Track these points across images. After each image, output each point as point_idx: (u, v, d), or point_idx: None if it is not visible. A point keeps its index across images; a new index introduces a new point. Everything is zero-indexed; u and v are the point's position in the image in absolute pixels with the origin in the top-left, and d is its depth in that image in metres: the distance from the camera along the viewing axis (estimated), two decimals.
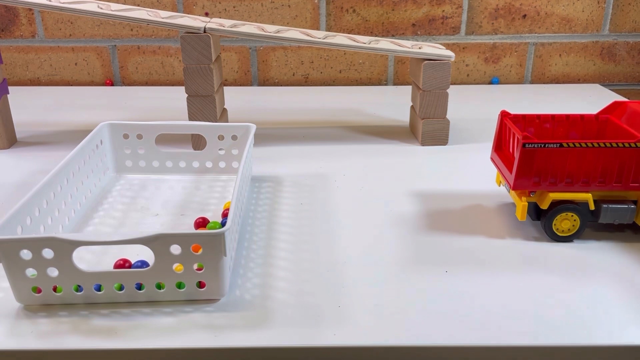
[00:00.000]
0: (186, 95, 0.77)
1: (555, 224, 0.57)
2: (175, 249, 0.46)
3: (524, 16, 1.13)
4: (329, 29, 1.14)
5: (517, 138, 0.55)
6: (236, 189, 0.53)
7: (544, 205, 0.56)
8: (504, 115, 0.61)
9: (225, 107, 0.86)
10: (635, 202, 0.57)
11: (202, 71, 0.76)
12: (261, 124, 0.91)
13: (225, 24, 0.78)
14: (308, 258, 0.55)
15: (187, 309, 0.47)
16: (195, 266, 0.47)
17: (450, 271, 0.53)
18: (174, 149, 0.73)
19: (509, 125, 0.58)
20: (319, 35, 0.80)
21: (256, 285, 0.51)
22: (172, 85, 1.18)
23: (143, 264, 0.50)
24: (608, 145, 0.54)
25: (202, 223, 0.59)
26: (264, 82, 1.18)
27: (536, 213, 0.58)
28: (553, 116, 0.62)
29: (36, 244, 0.45)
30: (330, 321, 0.46)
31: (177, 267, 0.47)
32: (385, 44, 0.81)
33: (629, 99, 1.09)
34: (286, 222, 0.61)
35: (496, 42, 1.15)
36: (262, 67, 1.17)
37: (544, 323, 0.46)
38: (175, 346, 0.44)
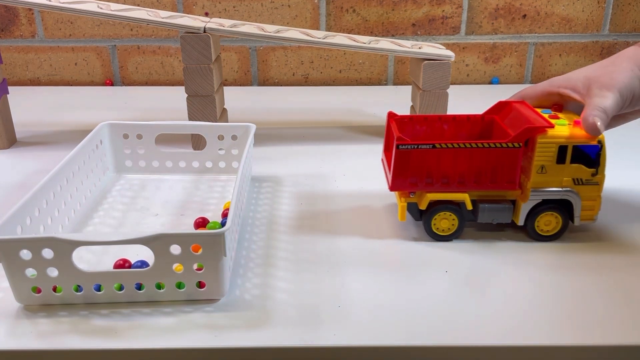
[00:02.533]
0: (186, 95, 0.77)
1: (434, 224, 0.57)
2: (175, 249, 0.46)
3: (524, 16, 1.13)
4: (329, 29, 1.14)
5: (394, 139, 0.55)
6: (236, 189, 0.53)
7: (423, 206, 0.56)
8: (390, 116, 0.61)
9: (225, 107, 0.86)
10: (513, 202, 0.57)
11: (202, 71, 0.76)
12: (261, 124, 0.91)
13: (225, 23, 0.78)
14: (308, 258, 0.55)
15: (187, 309, 0.47)
16: (195, 266, 0.47)
17: (450, 271, 0.53)
18: (174, 149, 0.73)
19: (392, 127, 0.58)
20: (319, 35, 0.80)
21: (256, 285, 0.51)
22: (172, 85, 1.18)
23: (143, 264, 0.50)
24: (480, 145, 0.54)
25: (202, 223, 0.59)
26: (264, 82, 1.18)
27: (419, 213, 0.58)
28: (440, 117, 0.62)
29: (36, 244, 0.45)
30: (330, 321, 0.46)
31: (177, 267, 0.47)
32: (385, 44, 0.81)
33: None
34: (286, 222, 0.61)
35: (496, 42, 1.15)
36: (262, 67, 1.17)
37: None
38: (175, 346, 0.44)
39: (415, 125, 0.62)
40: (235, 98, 1.03)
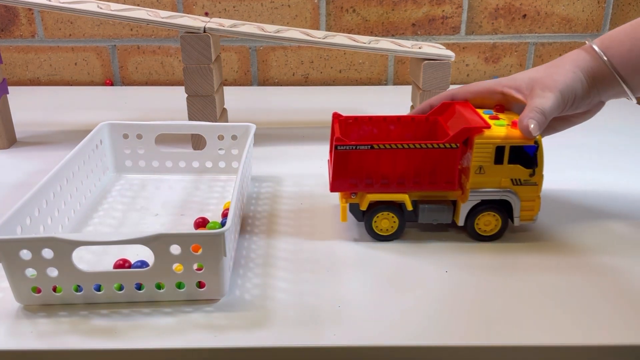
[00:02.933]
0: (186, 95, 0.77)
1: (375, 224, 0.57)
2: (175, 249, 0.46)
3: (524, 16, 1.13)
4: (329, 28, 1.14)
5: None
6: (236, 188, 0.53)
7: (363, 206, 0.56)
8: (334, 117, 0.60)
9: (225, 107, 0.86)
10: (454, 202, 0.57)
11: (202, 71, 0.76)
12: (261, 124, 0.91)
13: (225, 23, 0.78)
14: (308, 258, 0.55)
15: (187, 309, 0.47)
16: (195, 266, 0.47)
17: (450, 271, 0.53)
18: (174, 149, 0.73)
19: (334, 127, 0.58)
20: (319, 35, 0.80)
21: (256, 285, 0.50)
22: (172, 85, 1.18)
23: (143, 264, 0.50)
24: (418, 146, 0.54)
25: (201, 223, 0.59)
26: (264, 82, 1.18)
27: (361, 214, 0.58)
28: (385, 118, 0.62)
29: (36, 244, 0.45)
30: (330, 321, 0.46)
31: (176, 267, 0.47)
32: (385, 43, 0.81)
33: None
34: (286, 222, 0.61)
35: (496, 42, 1.15)
36: (262, 67, 1.17)
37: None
38: (175, 346, 0.44)
39: (361, 126, 0.62)
40: (235, 98, 1.03)
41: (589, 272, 0.52)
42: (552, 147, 0.57)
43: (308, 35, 0.79)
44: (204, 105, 0.77)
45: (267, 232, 0.59)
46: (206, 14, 1.12)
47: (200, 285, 0.48)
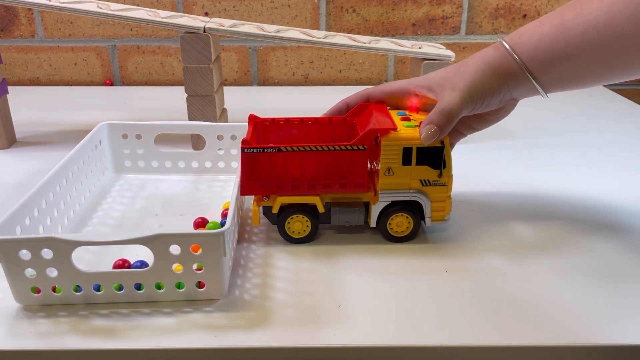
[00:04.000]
0: (186, 95, 0.77)
1: (288, 227, 0.57)
2: (175, 249, 0.46)
3: (524, 16, 1.13)
4: (329, 28, 1.14)
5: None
6: (235, 188, 0.53)
7: (275, 210, 0.56)
8: (250, 119, 0.60)
9: (225, 107, 0.86)
10: (367, 204, 0.57)
11: (202, 71, 0.75)
12: None
13: (225, 23, 0.78)
14: (307, 258, 0.55)
15: (187, 309, 0.47)
16: (194, 266, 0.47)
17: (450, 271, 0.53)
18: (173, 149, 0.73)
19: (249, 130, 0.58)
20: (319, 35, 0.80)
21: (256, 286, 0.50)
22: (172, 85, 1.18)
23: (142, 264, 0.50)
24: (326, 148, 0.54)
25: (201, 223, 0.59)
26: (264, 82, 1.18)
27: (275, 217, 0.57)
28: (302, 119, 0.61)
29: (35, 244, 0.45)
30: (330, 321, 0.46)
31: (176, 267, 0.47)
32: (385, 43, 0.81)
33: (630, 99, 1.09)
34: None
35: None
36: (262, 67, 1.17)
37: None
38: (175, 346, 0.44)
39: (280, 128, 0.61)
40: (235, 98, 1.02)
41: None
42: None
43: (308, 35, 0.79)
44: (203, 105, 0.77)
45: (266, 232, 0.59)
46: (206, 14, 1.12)
47: (200, 285, 0.48)
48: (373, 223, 0.57)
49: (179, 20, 0.77)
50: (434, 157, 0.55)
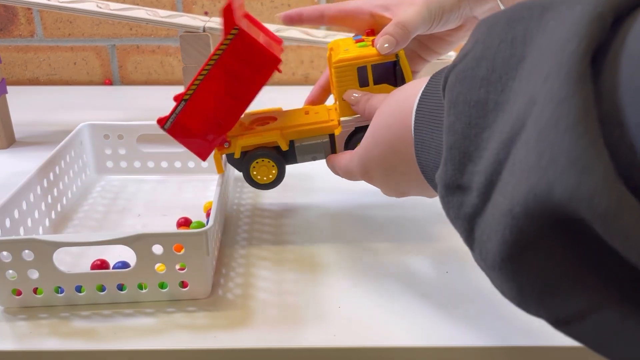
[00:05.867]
0: None
1: (254, 174, 0.55)
2: (157, 249, 0.46)
3: None
4: (329, 28, 1.14)
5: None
6: (218, 188, 0.53)
7: (237, 154, 0.54)
8: (158, 121, 0.57)
9: None
10: (332, 136, 0.54)
11: None
12: None
13: None
14: (291, 257, 0.55)
15: (170, 309, 0.47)
16: (177, 266, 0.47)
17: (450, 271, 0.53)
18: (156, 149, 0.72)
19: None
20: (319, 34, 0.80)
21: (239, 285, 0.50)
22: (172, 84, 1.17)
23: (124, 265, 0.50)
24: (212, 62, 0.51)
25: (184, 223, 0.59)
26: None
27: (239, 162, 0.55)
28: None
29: (16, 246, 0.45)
30: (312, 322, 0.46)
31: (159, 267, 0.47)
32: None
33: None
34: (270, 222, 0.61)
35: None
36: None
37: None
38: (158, 347, 0.43)
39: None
40: None
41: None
42: None
43: (308, 34, 0.79)
44: None
45: (250, 232, 0.59)
46: (206, 13, 1.12)
47: (183, 285, 0.48)
48: (340, 151, 0.55)
49: (178, 19, 0.76)
50: (391, 73, 0.52)
